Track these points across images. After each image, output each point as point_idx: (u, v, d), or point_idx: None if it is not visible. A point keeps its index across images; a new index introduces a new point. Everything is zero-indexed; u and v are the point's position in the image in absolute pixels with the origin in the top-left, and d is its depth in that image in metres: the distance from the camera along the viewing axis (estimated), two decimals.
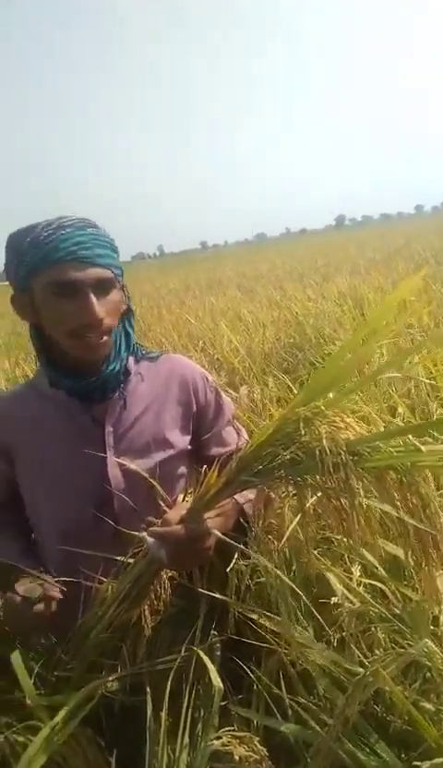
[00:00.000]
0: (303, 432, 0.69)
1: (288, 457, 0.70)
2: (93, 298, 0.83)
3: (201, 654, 0.76)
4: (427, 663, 0.68)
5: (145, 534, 0.78)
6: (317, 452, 0.66)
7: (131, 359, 0.99)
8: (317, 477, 0.68)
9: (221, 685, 0.71)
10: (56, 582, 0.85)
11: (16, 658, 0.73)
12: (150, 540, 0.77)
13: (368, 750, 0.66)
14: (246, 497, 0.92)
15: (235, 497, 0.88)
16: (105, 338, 0.88)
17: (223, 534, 0.83)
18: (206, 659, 0.75)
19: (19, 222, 0.87)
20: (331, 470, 0.65)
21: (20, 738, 0.72)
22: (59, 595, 0.84)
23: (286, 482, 0.74)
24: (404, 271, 5.68)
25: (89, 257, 0.82)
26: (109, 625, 0.81)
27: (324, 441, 0.66)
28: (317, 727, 0.68)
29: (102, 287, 0.85)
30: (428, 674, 0.72)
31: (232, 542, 0.80)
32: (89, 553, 0.83)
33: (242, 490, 0.79)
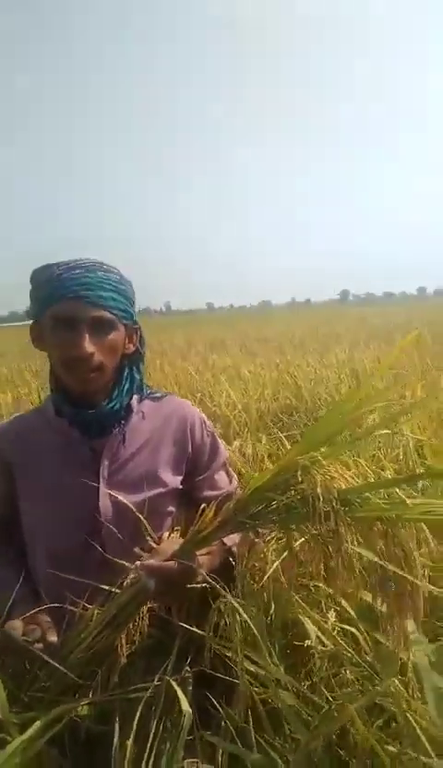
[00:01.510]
0: (300, 479, 0.73)
1: (284, 502, 0.74)
2: (86, 334, 0.89)
3: (173, 684, 0.77)
4: (392, 707, 0.70)
5: (138, 563, 0.81)
6: (311, 499, 0.70)
7: (135, 398, 1.05)
8: (308, 525, 0.72)
9: (191, 712, 0.72)
10: (45, 607, 0.86)
11: None
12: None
13: None
14: (233, 539, 0.96)
15: (224, 539, 0.91)
16: (95, 374, 0.93)
17: (209, 572, 0.85)
18: (178, 689, 0.75)
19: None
20: (322, 517, 0.69)
21: None
22: (55, 639, 0.84)
23: (279, 527, 0.77)
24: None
25: (91, 297, 0.89)
26: (88, 649, 0.81)
27: (318, 489, 0.71)
28: (281, 762, 0.68)
29: (100, 326, 0.91)
30: (393, 721, 0.73)
31: (216, 584, 0.82)
32: (77, 579, 0.84)
33: (233, 532, 0.82)
